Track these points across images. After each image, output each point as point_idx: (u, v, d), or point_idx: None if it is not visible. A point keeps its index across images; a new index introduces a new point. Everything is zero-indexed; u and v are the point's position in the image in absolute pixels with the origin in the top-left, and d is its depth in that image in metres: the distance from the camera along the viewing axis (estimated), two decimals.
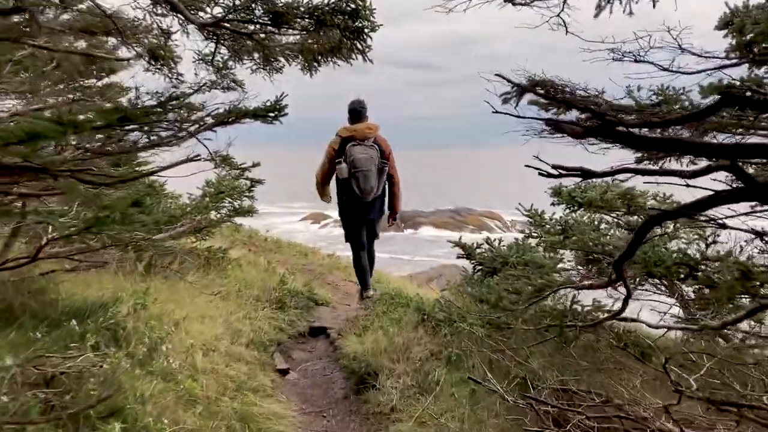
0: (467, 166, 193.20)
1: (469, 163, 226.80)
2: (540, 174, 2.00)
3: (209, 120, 2.35)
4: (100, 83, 5.84)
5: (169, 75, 4.54)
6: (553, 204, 5.39)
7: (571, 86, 2.81)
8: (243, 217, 6.02)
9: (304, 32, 3.47)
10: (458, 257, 5.90)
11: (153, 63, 4.45)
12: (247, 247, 10.22)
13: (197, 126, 2.29)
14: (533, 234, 5.51)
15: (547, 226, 5.24)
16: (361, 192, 5.94)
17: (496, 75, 2.08)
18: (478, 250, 5.71)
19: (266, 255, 9.88)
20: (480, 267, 5.07)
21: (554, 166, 1.99)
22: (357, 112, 6.08)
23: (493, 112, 2.05)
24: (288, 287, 7.13)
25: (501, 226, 57.24)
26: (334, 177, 6.21)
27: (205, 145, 2.52)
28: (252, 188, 5.29)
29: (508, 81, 2.09)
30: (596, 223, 4.83)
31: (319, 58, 3.70)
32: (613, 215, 4.83)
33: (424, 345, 4.83)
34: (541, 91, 2.59)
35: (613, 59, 3.07)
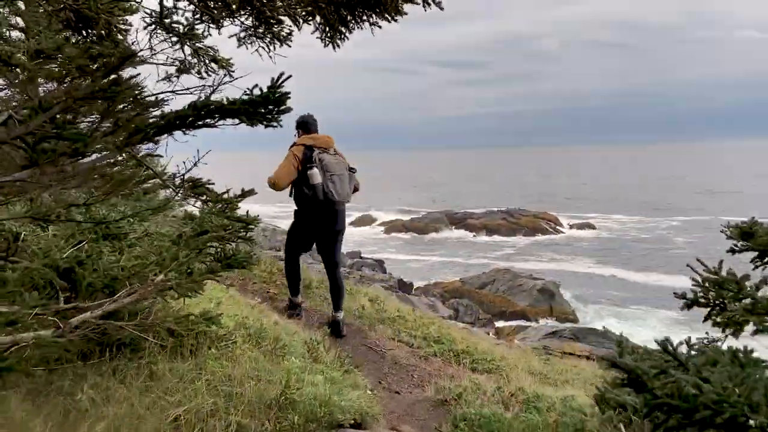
0: (514, 166, 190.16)
1: (515, 162, 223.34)
2: None
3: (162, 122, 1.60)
4: None
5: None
6: (732, 250, 3.46)
7: None
8: (236, 268, 4.14)
9: None
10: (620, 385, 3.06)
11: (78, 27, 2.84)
12: (256, 296, 7.42)
13: (141, 133, 1.61)
14: (715, 309, 3.14)
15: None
16: (340, 196, 5.84)
17: None
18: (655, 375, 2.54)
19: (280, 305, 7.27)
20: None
21: None
22: (310, 125, 6.08)
23: None
24: (297, 396, 3.65)
25: (553, 228, 55.57)
26: (289, 189, 6.12)
27: (149, 167, 1.84)
28: (248, 228, 2.80)
29: None
30: None
31: (347, 15, 2.39)
32: None
33: None
34: None
35: None
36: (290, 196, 6.10)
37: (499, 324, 27.68)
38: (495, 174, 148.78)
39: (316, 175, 5.71)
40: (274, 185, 5.92)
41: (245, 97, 1.71)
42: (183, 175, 2.06)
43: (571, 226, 56.31)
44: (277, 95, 1.69)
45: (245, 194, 2.49)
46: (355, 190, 6.22)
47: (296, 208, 6.18)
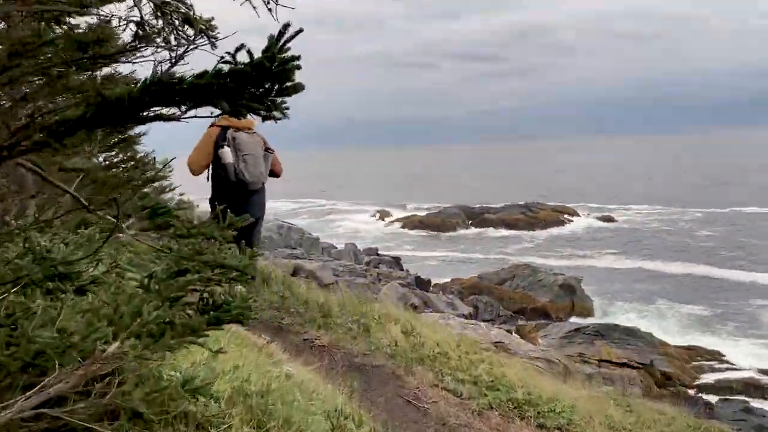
0: (532, 159, 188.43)
1: (533, 155, 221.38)
2: None
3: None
4: None
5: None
6: None
7: None
8: (228, 323, 2.03)
9: None
10: None
11: None
12: (264, 331, 5.82)
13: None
14: None
15: None
16: (252, 176, 5.48)
17: None
18: None
19: (290, 342, 5.85)
20: None
21: None
22: None
23: None
24: None
25: (573, 221, 54.68)
26: (207, 172, 5.72)
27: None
28: (243, 276, 1.56)
29: None
30: None
31: None
32: None
33: None
34: None
35: None
36: (207, 180, 5.73)
37: (520, 321, 27.15)
38: (513, 167, 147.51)
39: (227, 154, 5.39)
40: (191, 171, 5.61)
41: (223, 67, 1.09)
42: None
43: (590, 218, 55.41)
44: (278, 63, 1.07)
45: (235, 225, 1.61)
46: (275, 174, 5.87)
47: (210, 195, 5.80)
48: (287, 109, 1.23)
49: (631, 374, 7.55)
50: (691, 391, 19.02)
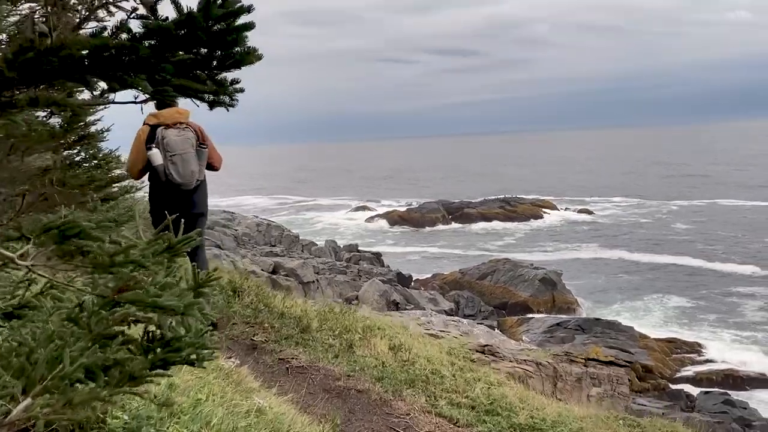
0: (510, 153, 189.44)
1: (511, 149, 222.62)
2: None
3: None
4: None
5: None
6: None
7: None
8: (178, 364, 1.26)
9: None
10: None
11: None
12: (233, 350, 5.24)
13: None
14: None
15: None
16: (182, 177, 5.23)
17: None
18: None
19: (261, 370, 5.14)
20: None
21: None
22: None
23: None
24: None
25: (551, 214, 54.98)
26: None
27: None
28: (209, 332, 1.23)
29: None
30: None
31: None
32: None
33: None
34: None
35: None
36: (148, 180, 5.53)
37: (501, 316, 27.15)
38: (491, 162, 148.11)
39: (155, 156, 5.16)
40: (130, 175, 5.31)
41: (135, 25, 0.76)
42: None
43: (568, 211, 55.75)
44: (220, 18, 0.72)
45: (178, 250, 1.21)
46: (212, 167, 5.60)
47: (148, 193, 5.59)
48: (240, 91, 0.88)
49: (619, 372, 7.45)
50: (673, 385, 19.18)
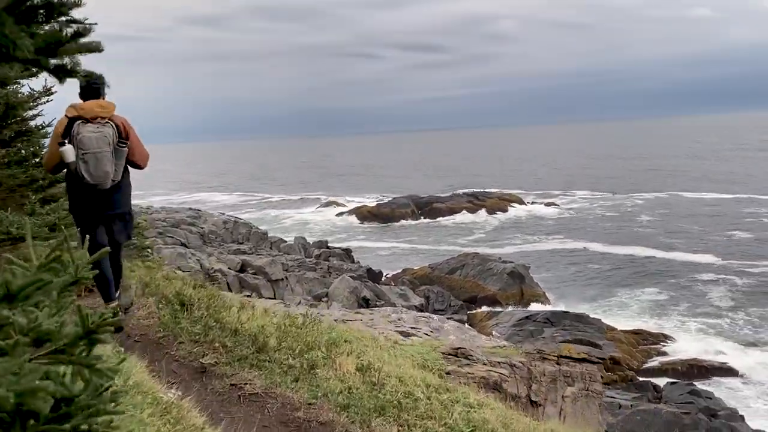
0: (477, 148, 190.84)
1: (478, 144, 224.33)
2: None
3: None
4: None
5: None
6: None
7: None
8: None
9: None
10: None
11: None
12: (177, 376, 4.76)
13: None
14: None
15: None
16: (93, 178, 4.92)
17: None
18: None
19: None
20: None
21: None
22: (90, 89, 5.05)
23: None
24: None
25: (519, 208, 55.53)
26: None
27: None
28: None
29: None
30: None
31: None
32: None
33: None
34: None
35: None
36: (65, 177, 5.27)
37: (470, 310, 27.24)
38: (458, 157, 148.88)
39: (67, 152, 4.86)
40: (47, 171, 5.15)
41: None
42: None
43: (535, 205, 56.31)
44: None
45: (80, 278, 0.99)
46: (136, 165, 5.27)
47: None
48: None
49: (591, 369, 7.42)
50: (641, 376, 19.46)
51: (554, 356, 7.33)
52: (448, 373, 5.66)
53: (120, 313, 5.03)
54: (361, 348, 5.77)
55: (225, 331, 4.95)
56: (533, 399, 6.49)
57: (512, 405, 5.83)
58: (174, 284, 5.86)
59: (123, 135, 5.03)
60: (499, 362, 6.57)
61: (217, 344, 4.77)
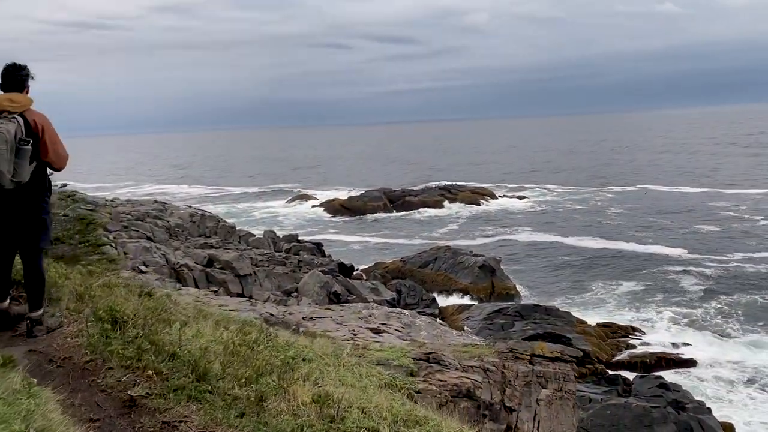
0: (448, 141, 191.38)
1: (450, 137, 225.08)
2: None
3: None
4: None
5: None
6: None
7: None
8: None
9: None
10: None
11: None
12: (102, 409, 3.98)
13: None
14: None
15: None
16: None
17: None
18: None
19: None
20: None
21: None
22: (7, 79, 4.71)
23: None
24: None
25: (490, 201, 55.75)
26: None
27: None
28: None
29: None
30: None
31: None
32: None
33: None
34: None
35: None
36: None
37: (442, 303, 27.14)
38: (430, 150, 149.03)
39: None
40: None
41: None
42: None
43: (506, 198, 56.58)
44: None
45: None
46: (53, 167, 4.85)
47: None
48: None
49: (565, 369, 7.25)
50: (610, 369, 19.53)
51: (527, 355, 7.13)
52: (418, 392, 5.29)
53: (34, 325, 4.57)
54: (322, 368, 5.14)
55: (161, 355, 4.26)
56: (507, 405, 6.25)
57: (486, 413, 5.55)
58: (115, 293, 5.20)
59: (35, 132, 4.60)
60: (472, 366, 6.30)
61: (150, 372, 4.07)
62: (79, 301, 5.02)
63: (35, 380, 3.47)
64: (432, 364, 6.05)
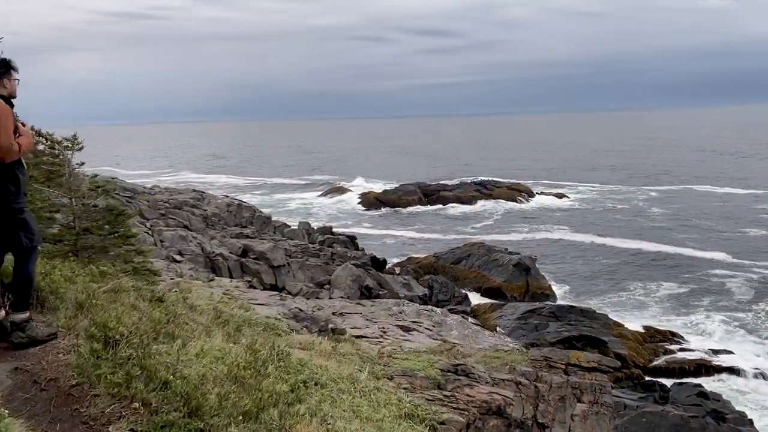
0: (487, 136, 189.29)
1: (488, 132, 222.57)
2: None
3: None
4: None
5: None
6: None
7: None
8: None
9: None
10: None
11: None
12: None
13: None
14: None
15: None
16: None
17: None
18: None
19: None
20: None
21: None
22: None
23: None
24: None
25: (527, 198, 54.80)
26: None
27: None
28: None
29: None
30: None
31: None
32: None
33: None
34: None
35: None
36: None
37: (475, 301, 26.77)
38: (468, 144, 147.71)
39: None
40: None
41: None
42: None
43: (544, 196, 55.56)
44: None
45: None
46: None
47: None
48: None
49: (602, 379, 6.92)
50: (647, 375, 18.96)
51: (562, 364, 6.83)
52: (442, 423, 4.93)
53: (13, 327, 4.19)
54: (335, 395, 4.60)
55: (152, 383, 3.70)
56: (540, 421, 5.95)
57: None
58: (121, 299, 4.75)
59: None
60: (503, 380, 6.01)
61: (137, 404, 3.51)
62: (78, 309, 4.66)
63: (6, 411, 3.10)
64: (460, 377, 5.78)
